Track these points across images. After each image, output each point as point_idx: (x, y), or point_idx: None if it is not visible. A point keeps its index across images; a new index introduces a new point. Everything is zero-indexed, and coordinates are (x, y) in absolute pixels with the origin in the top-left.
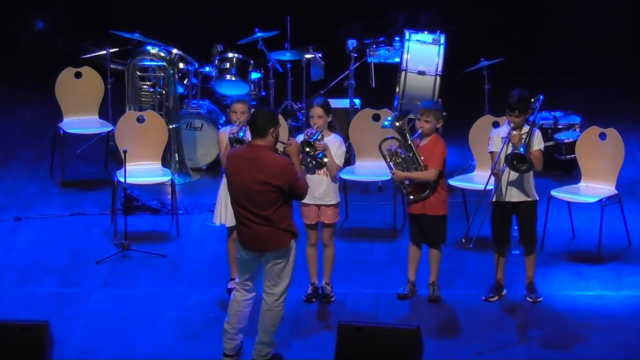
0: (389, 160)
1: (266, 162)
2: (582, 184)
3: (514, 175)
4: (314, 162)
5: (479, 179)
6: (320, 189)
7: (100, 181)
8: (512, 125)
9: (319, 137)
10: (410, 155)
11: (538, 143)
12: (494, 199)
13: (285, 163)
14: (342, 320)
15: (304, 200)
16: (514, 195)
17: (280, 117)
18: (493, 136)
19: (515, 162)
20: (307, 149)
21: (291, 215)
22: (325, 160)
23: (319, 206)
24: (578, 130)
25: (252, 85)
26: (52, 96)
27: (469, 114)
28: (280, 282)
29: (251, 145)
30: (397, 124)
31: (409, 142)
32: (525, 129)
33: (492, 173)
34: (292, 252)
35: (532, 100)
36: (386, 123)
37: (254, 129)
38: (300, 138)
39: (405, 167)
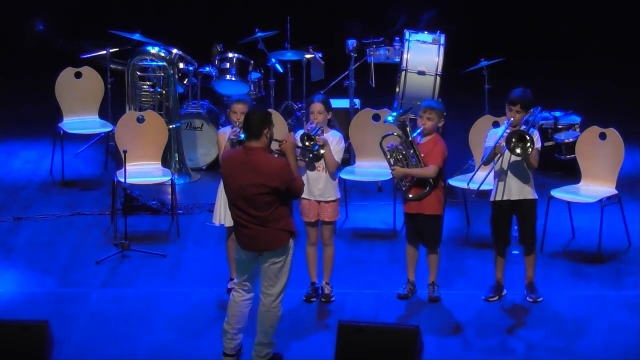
0: (389, 156)
1: (262, 165)
2: (582, 184)
3: (513, 172)
4: (310, 155)
5: (478, 179)
6: (320, 185)
7: (100, 181)
8: (512, 121)
9: (318, 133)
10: (411, 152)
11: (536, 142)
12: (493, 198)
13: (282, 164)
14: (342, 320)
15: (304, 196)
16: (513, 193)
17: (279, 115)
18: (491, 133)
19: (514, 140)
20: (307, 143)
21: (289, 214)
22: (322, 151)
23: (319, 202)
24: (578, 130)
25: (252, 85)
26: (52, 96)
27: (469, 114)
28: (278, 282)
29: (246, 148)
30: (400, 119)
31: (410, 138)
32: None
33: (493, 148)
34: (290, 251)
35: (533, 109)
36: (390, 118)
37: (248, 130)
38: (301, 132)
39: (405, 164)
